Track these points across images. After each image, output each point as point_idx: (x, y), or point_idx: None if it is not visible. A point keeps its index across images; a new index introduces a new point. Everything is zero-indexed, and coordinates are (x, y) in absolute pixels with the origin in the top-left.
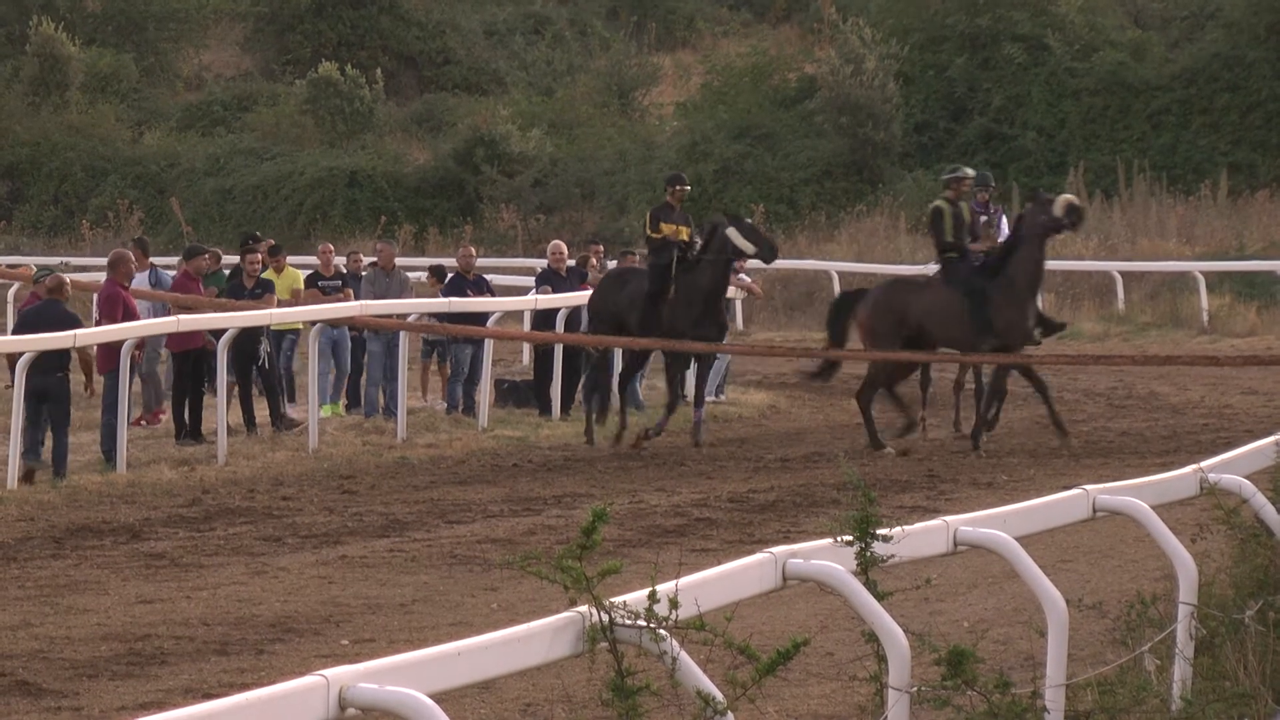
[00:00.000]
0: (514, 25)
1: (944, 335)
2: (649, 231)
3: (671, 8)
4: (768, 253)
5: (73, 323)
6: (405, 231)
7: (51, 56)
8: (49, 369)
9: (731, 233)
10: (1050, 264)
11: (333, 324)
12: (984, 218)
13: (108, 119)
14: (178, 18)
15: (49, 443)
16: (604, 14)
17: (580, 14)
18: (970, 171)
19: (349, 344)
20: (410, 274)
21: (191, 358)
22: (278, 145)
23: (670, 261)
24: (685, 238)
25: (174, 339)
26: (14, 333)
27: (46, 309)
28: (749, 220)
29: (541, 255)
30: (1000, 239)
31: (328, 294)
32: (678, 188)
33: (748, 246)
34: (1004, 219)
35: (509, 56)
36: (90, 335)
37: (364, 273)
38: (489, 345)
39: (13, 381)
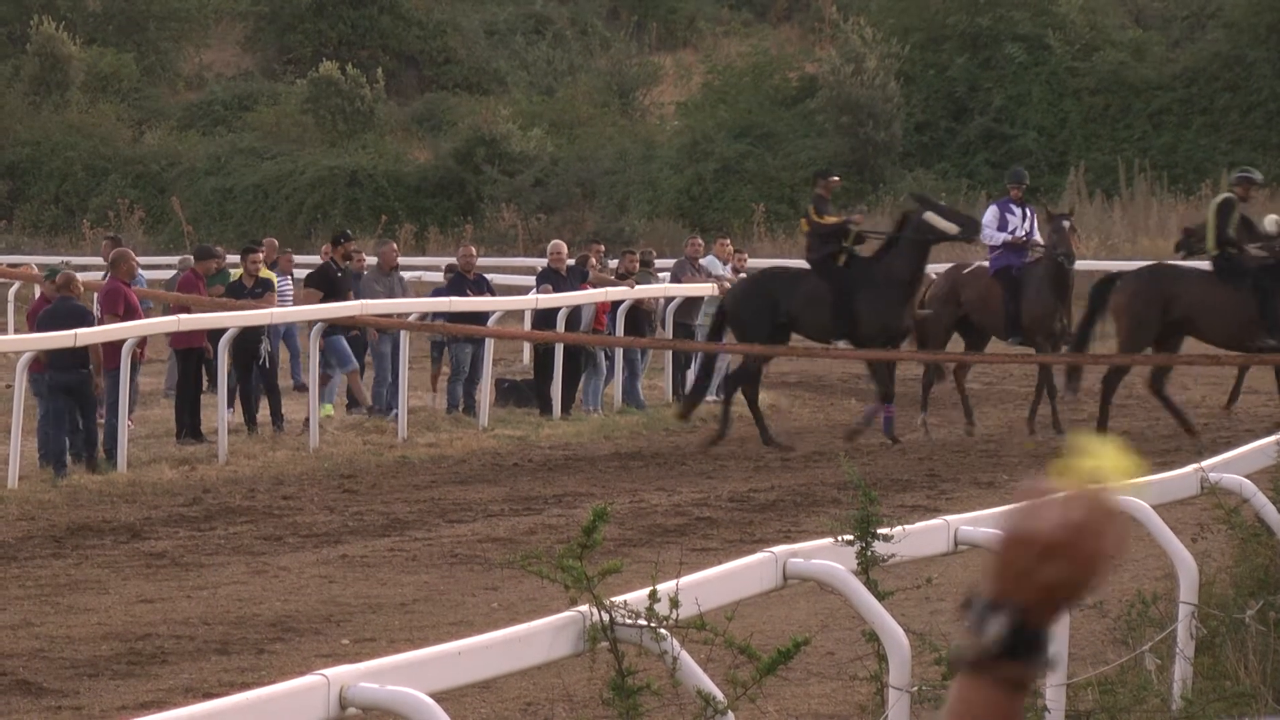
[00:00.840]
0: (515, 25)
1: (1215, 331)
2: (816, 217)
3: (672, 7)
4: (972, 230)
5: (88, 318)
6: (406, 231)
7: (52, 56)
8: (72, 365)
9: (931, 217)
10: None
11: (331, 324)
12: (1019, 212)
13: (108, 118)
14: (178, 17)
15: (49, 441)
16: (605, 14)
17: (581, 13)
18: (1259, 176)
19: (342, 345)
20: (405, 274)
21: (195, 356)
22: (278, 144)
23: (835, 253)
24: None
25: (178, 337)
26: (34, 332)
27: (61, 307)
28: (941, 202)
29: (542, 255)
30: (1030, 237)
31: None
32: (831, 179)
33: (950, 227)
34: (1035, 218)
35: (510, 56)
36: (91, 334)
37: (364, 272)
38: (489, 344)
39: (14, 381)
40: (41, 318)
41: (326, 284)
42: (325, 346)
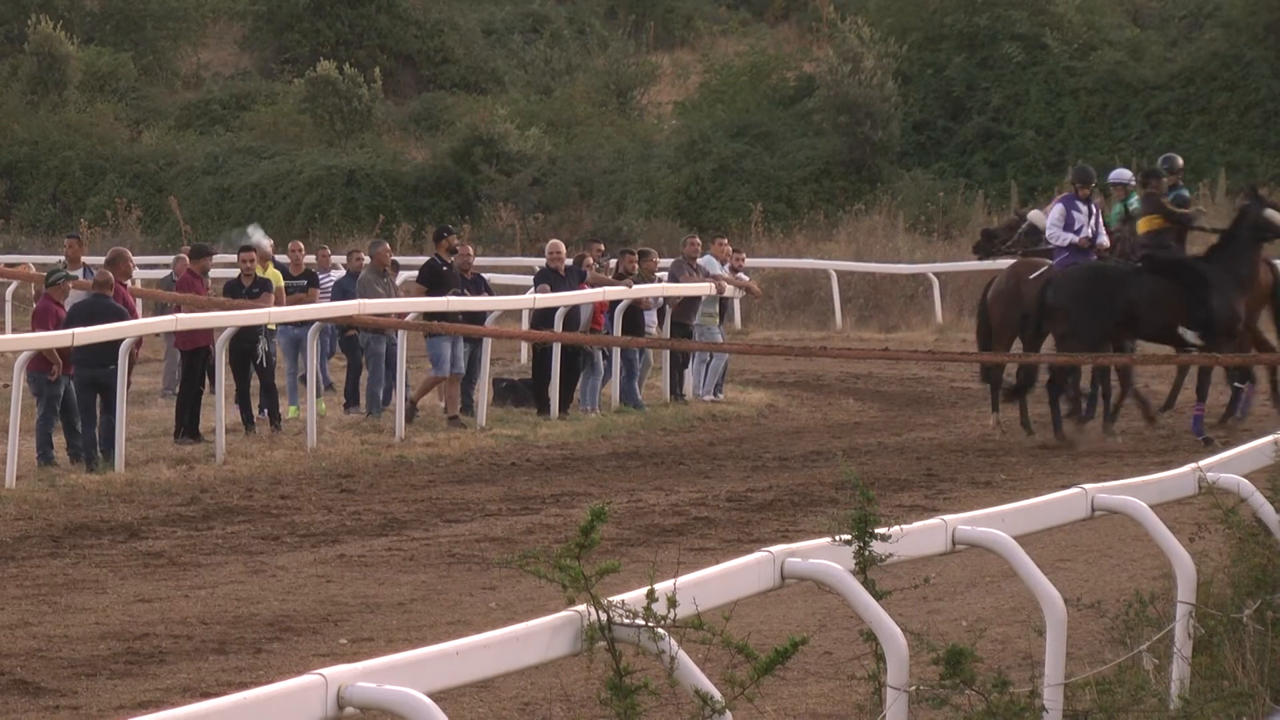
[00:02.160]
0: (512, 24)
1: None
2: (1173, 208)
3: (670, 7)
4: None
5: (121, 317)
6: (403, 230)
7: (50, 55)
8: (102, 361)
9: (1271, 214)
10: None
11: (328, 323)
12: (1085, 210)
13: (106, 118)
14: (176, 16)
15: (60, 438)
16: (602, 13)
17: (578, 13)
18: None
19: (442, 349)
20: (405, 273)
21: (202, 356)
22: (276, 144)
23: (1177, 249)
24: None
25: (182, 337)
26: (66, 326)
27: (96, 303)
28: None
29: (539, 254)
30: (1096, 235)
31: (290, 294)
32: (1165, 179)
33: None
34: (1100, 215)
35: (507, 55)
36: (88, 334)
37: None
38: (487, 344)
39: (11, 381)
40: (74, 311)
41: (434, 279)
42: (426, 347)
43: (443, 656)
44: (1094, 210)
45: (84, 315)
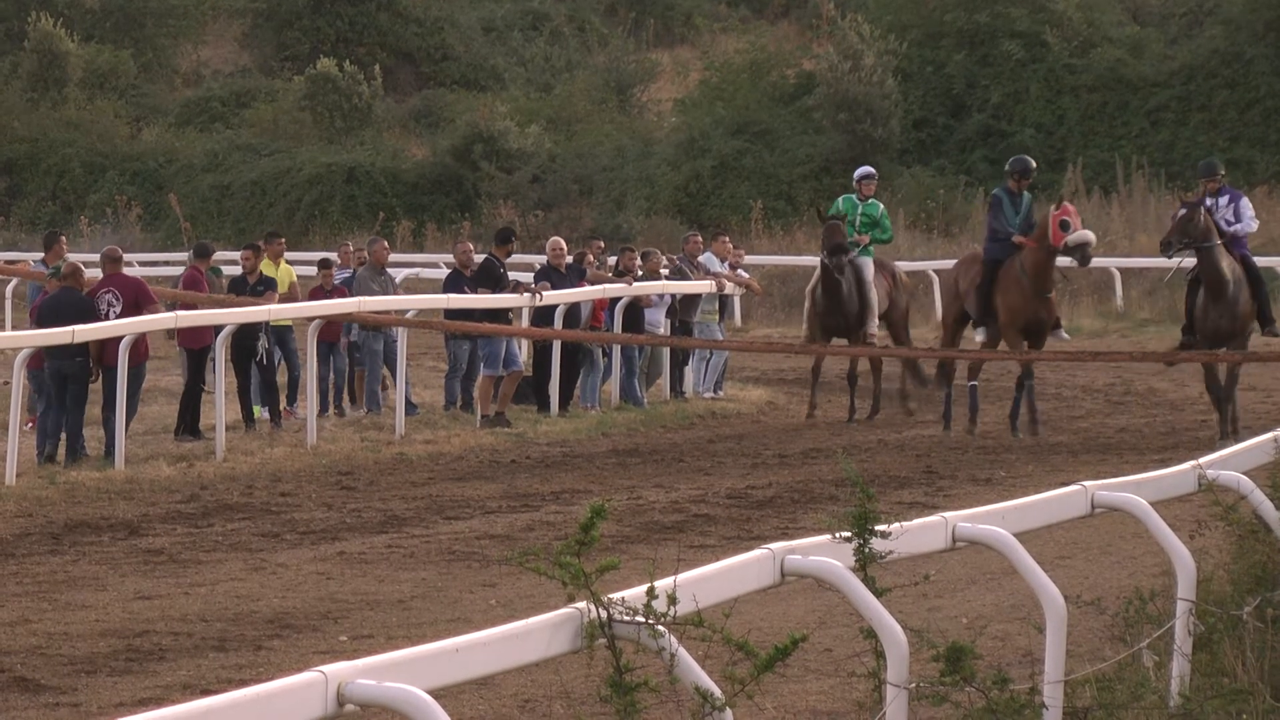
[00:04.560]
0: (512, 21)
1: None
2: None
3: (670, 4)
4: None
5: (89, 308)
6: (403, 228)
7: (50, 52)
8: (70, 353)
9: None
10: None
11: (330, 321)
12: (1213, 203)
13: (106, 115)
14: (176, 14)
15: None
16: (602, 10)
17: (579, 10)
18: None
19: (497, 348)
20: (405, 270)
21: (206, 354)
22: (276, 141)
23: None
24: None
25: (185, 336)
26: (38, 323)
27: (63, 296)
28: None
29: (539, 252)
30: (1241, 224)
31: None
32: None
33: None
34: (1244, 201)
35: (507, 53)
36: (89, 331)
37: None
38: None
39: (12, 378)
40: (43, 306)
41: (493, 281)
42: (479, 346)
43: (443, 654)
44: (1222, 203)
45: (51, 310)
